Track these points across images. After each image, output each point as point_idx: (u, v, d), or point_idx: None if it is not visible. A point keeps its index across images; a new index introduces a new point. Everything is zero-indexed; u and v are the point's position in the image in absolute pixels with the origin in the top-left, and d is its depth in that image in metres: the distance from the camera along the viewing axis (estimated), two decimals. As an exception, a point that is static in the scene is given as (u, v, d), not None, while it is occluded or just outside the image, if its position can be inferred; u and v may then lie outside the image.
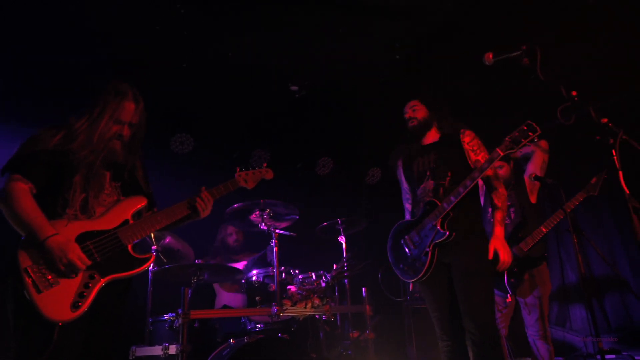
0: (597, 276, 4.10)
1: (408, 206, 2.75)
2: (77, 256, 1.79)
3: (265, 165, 2.44)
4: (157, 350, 2.98)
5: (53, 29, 3.44)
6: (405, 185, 2.76)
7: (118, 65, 3.85)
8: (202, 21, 3.58)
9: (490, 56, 2.20)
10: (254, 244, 4.42)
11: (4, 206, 1.84)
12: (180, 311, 2.93)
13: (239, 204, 3.54)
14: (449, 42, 3.91)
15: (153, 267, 3.34)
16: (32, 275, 1.74)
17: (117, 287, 1.90)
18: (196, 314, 3.05)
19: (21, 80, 3.84)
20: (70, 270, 1.78)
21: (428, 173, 2.55)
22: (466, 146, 2.55)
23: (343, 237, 4.00)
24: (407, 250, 2.52)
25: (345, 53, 4.05)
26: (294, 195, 3.83)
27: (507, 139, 2.37)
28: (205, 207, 2.14)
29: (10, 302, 1.75)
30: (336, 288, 3.75)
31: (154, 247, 3.39)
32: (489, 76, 3.94)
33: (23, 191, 1.84)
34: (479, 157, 2.50)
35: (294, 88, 4.33)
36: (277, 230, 3.50)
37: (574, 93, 1.91)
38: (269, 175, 2.43)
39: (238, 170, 2.37)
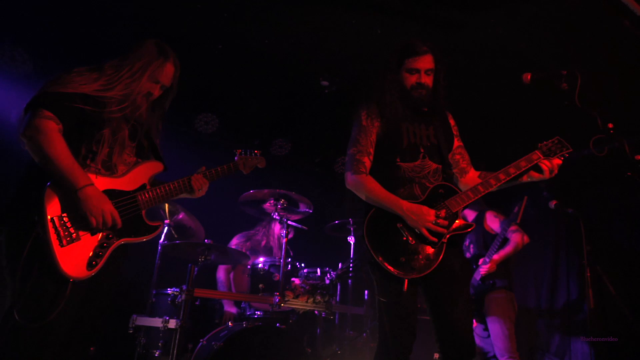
0: (607, 313, 4.02)
1: (366, 160, 2.13)
2: (111, 212, 1.73)
3: (258, 153, 2.40)
4: (157, 322, 3.03)
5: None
6: (372, 137, 2.15)
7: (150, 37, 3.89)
8: (245, 5, 3.59)
9: (529, 77, 2.17)
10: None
11: (32, 144, 1.67)
12: (184, 287, 2.97)
13: (254, 191, 3.57)
14: (483, 59, 3.86)
15: (163, 241, 3.39)
16: (57, 227, 1.65)
17: (119, 253, 1.82)
18: (199, 292, 3.09)
19: (51, 54, 3.86)
20: (100, 226, 1.71)
21: (422, 150, 2.13)
22: (453, 129, 2.29)
23: (353, 238, 4.00)
24: (408, 238, 1.99)
25: (379, 54, 4.03)
26: (308, 190, 3.83)
27: (540, 145, 2.11)
28: (201, 187, 2.13)
29: (18, 249, 1.61)
30: (339, 287, 3.76)
31: (167, 221, 3.44)
32: (519, 95, 3.89)
33: (56, 132, 1.69)
34: (461, 143, 2.28)
35: (325, 83, 4.31)
36: (289, 222, 3.51)
37: (610, 125, 1.88)
38: (262, 163, 2.40)
39: (239, 152, 2.32)
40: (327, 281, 3.38)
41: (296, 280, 3.34)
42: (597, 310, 2.80)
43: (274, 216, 3.55)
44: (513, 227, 3.68)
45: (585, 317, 4.33)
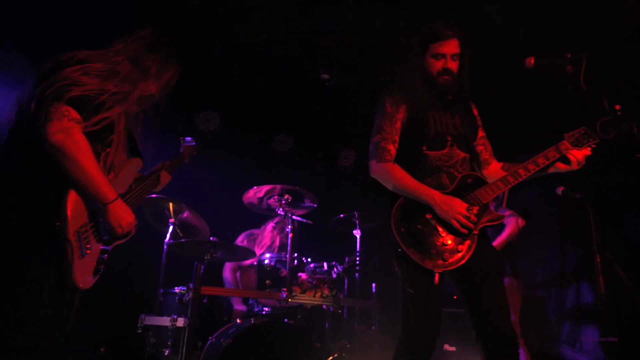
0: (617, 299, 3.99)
1: (392, 148, 2.09)
2: (134, 222, 1.72)
3: (190, 139, 2.40)
4: (165, 320, 3.03)
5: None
6: (397, 125, 2.11)
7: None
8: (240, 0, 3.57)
9: (532, 61, 2.12)
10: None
11: (61, 150, 1.50)
12: (191, 285, 2.97)
13: (258, 187, 3.56)
14: (482, 47, 3.81)
15: (168, 240, 3.39)
16: (81, 239, 1.57)
17: None
18: (206, 290, 3.08)
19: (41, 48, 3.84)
20: (121, 237, 1.70)
21: (449, 138, 2.08)
22: (477, 121, 2.23)
23: (358, 231, 3.98)
24: (438, 229, 1.95)
25: (379, 47, 3.99)
26: (312, 185, 3.82)
27: (567, 135, 2.05)
28: (166, 182, 2.20)
29: (40, 262, 1.50)
30: (346, 281, 3.74)
31: (171, 220, 3.43)
32: (521, 81, 3.84)
33: (84, 138, 1.55)
34: (484, 134, 2.22)
35: (325, 76, 4.28)
36: (294, 217, 3.50)
37: (617, 107, 1.84)
38: (196, 150, 2.42)
39: (182, 139, 2.33)
40: (334, 275, 3.37)
41: (303, 275, 3.33)
42: (608, 297, 2.77)
43: (279, 212, 3.53)
44: (508, 212, 3.66)
45: (596, 304, 4.30)
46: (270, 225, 4.18)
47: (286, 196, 3.51)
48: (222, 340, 2.91)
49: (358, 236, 3.98)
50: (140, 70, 1.76)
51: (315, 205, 3.73)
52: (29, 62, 3.76)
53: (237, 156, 4.86)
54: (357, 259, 3.64)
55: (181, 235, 3.52)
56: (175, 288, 3.17)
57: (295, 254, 3.45)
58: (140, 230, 1.85)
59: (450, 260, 1.89)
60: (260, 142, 4.99)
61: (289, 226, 3.42)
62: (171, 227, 3.43)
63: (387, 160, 2.06)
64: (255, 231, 4.23)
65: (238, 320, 3.15)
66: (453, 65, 2.10)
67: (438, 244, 1.92)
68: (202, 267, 3.06)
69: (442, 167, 2.05)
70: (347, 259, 3.62)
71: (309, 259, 3.52)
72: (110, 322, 3.71)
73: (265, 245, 4.09)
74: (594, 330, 4.22)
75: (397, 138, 2.10)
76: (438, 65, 2.10)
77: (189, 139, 2.43)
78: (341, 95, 4.58)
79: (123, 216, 1.67)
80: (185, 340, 2.81)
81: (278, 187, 3.53)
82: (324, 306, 3.46)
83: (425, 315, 1.92)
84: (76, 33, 3.61)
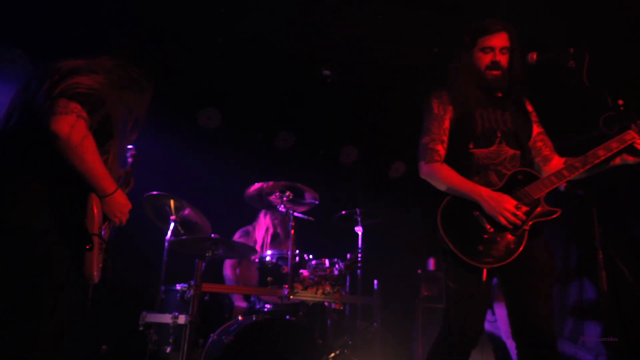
0: (620, 295, 3.98)
1: (440, 149, 2.07)
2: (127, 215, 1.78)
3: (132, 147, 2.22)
4: (166, 318, 3.03)
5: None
6: (445, 125, 2.10)
7: (151, 35, 3.86)
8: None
9: (534, 56, 2.10)
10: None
11: (70, 147, 1.55)
12: (192, 282, 2.96)
13: (260, 184, 3.55)
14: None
15: (170, 237, 3.38)
16: (102, 236, 1.70)
17: None
18: (208, 287, 3.08)
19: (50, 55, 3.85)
20: (120, 224, 1.77)
21: (499, 134, 2.04)
22: (531, 115, 2.17)
23: (360, 228, 3.97)
24: (485, 226, 1.92)
25: (381, 42, 3.97)
26: (314, 181, 3.81)
27: (634, 125, 1.93)
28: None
29: (68, 256, 1.59)
30: (348, 277, 3.74)
31: (172, 217, 3.43)
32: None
33: (91, 136, 1.60)
34: (542, 130, 2.15)
35: (326, 72, 4.27)
36: (295, 214, 3.49)
37: (620, 102, 1.83)
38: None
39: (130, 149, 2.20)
40: (336, 272, 3.36)
41: (305, 272, 3.33)
42: (610, 293, 2.76)
43: (280, 208, 3.53)
44: None
45: (598, 300, 4.29)
46: (261, 215, 4.18)
47: (287, 193, 3.50)
48: (223, 337, 2.91)
49: (360, 233, 3.97)
50: (128, 83, 1.79)
51: (317, 202, 3.72)
52: (30, 60, 3.76)
53: (238, 153, 4.85)
54: (359, 255, 3.64)
55: (182, 232, 3.52)
56: (177, 285, 3.17)
57: (297, 251, 3.45)
58: (141, 228, 1.85)
59: (498, 257, 1.85)
60: (261, 139, 4.98)
61: (291, 223, 3.42)
62: (172, 224, 3.43)
63: (436, 160, 2.04)
64: (249, 227, 4.23)
65: (239, 317, 3.15)
66: (502, 59, 2.07)
67: (485, 240, 1.89)
68: (204, 264, 3.06)
69: (490, 165, 2.01)
70: (348, 256, 3.61)
71: (311, 256, 3.51)
72: (112, 320, 3.72)
73: (260, 236, 4.09)
74: (596, 326, 4.21)
75: (445, 138, 2.08)
76: (486, 59, 2.07)
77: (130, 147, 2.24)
78: (343, 91, 4.57)
79: (119, 208, 1.73)
80: (187, 337, 2.81)
81: (279, 183, 3.52)
82: (326, 303, 3.45)
83: (469, 312, 1.89)
84: (76, 33, 3.61)
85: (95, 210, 1.63)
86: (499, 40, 2.07)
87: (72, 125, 1.54)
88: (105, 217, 1.73)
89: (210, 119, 4.69)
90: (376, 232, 4.25)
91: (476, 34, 2.10)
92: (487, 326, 3.69)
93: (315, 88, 4.55)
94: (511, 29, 2.10)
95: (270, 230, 4.09)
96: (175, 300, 3.16)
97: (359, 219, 3.94)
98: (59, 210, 1.59)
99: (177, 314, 2.99)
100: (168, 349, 3.03)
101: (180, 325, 2.95)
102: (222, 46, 4.03)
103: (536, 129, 2.16)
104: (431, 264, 4.71)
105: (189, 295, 2.99)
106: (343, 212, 3.90)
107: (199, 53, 4.10)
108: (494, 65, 2.06)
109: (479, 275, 1.84)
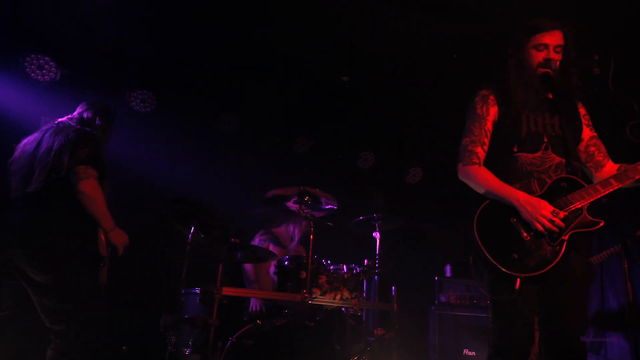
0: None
1: (480, 151, 1.99)
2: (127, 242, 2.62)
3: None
4: (186, 320, 3.06)
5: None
6: (487, 127, 2.01)
7: (171, 43, 3.94)
8: (263, 3, 3.59)
9: (558, 63, 2.09)
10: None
11: (90, 200, 2.35)
12: (212, 286, 2.99)
13: (279, 189, 3.57)
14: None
15: (190, 241, 3.41)
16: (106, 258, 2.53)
17: None
18: (227, 290, 3.11)
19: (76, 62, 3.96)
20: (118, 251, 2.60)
21: (546, 140, 1.94)
22: (583, 119, 2.05)
23: (378, 234, 3.96)
24: (522, 233, 1.84)
25: (399, 49, 3.98)
26: (331, 186, 3.82)
27: None
28: None
29: (95, 268, 2.45)
30: (365, 283, 3.73)
31: (192, 222, 3.46)
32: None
33: (100, 190, 2.39)
34: (594, 134, 2.04)
35: (345, 78, 4.29)
36: (315, 218, 3.50)
37: (648, 110, 1.80)
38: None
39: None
40: (354, 278, 3.36)
41: (323, 277, 3.33)
42: (635, 303, 2.70)
43: (299, 214, 3.54)
44: None
45: (621, 310, 4.20)
46: (290, 224, 4.22)
47: (306, 198, 3.52)
48: (243, 340, 2.93)
49: (377, 238, 3.96)
50: (108, 131, 2.78)
51: (335, 207, 3.72)
52: (57, 66, 3.86)
53: (256, 158, 4.90)
54: (377, 261, 3.63)
55: (202, 236, 3.56)
56: (197, 289, 3.21)
57: (315, 256, 3.45)
58: (162, 231, 1.94)
59: (532, 266, 1.78)
60: (279, 144, 5.01)
61: (311, 228, 3.43)
62: (192, 228, 3.46)
63: (474, 163, 1.97)
64: (274, 230, 4.25)
65: (258, 321, 3.17)
66: (556, 58, 1.96)
67: (522, 248, 1.81)
68: (223, 267, 3.09)
69: (533, 172, 1.92)
70: (366, 262, 3.61)
71: (329, 261, 3.51)
72: (133, 322, 3.78)
73: (286, 242, 4.12)
74: (619, 337, 4.12)
75: (486, 140, 2.00)
76: (539, 56, 1.98)
77: None
78: (361, 97, 4.58)
79: (121, 235, 2.48)
80: (210, 341, 2.84)
81: (298, 189, 3.53)
82: (343, 309, 3.45)
83: (509, 321, 1.83)
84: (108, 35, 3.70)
85: (103, 240, 2.42)
86: (554, 38, 1.98)
87: (93, 187, 2.34)
88: (108, 244, 2.46)
89: (229, 123, 4.74)
90: (394, 237, 4.24)
91: (530, 32, 2.01)
92: None
93: (334, 93, 4.57)
94: (568, 28, 2.00)
95: (296, 238, 4.13)
96: (195, 303, 3.20)
97: (376, 224, 3.93)
98: (87, 241, 2.41)
99: (196, 316, 3.02)
100: (187, 352, 3.07)
101: (200, 329, 2.98)
102: (241, 52, 4.08)
103: (588, 133, 2.06)
104: (448, 270, 4.68)
105: (208, 298, 3.02)
106: (361, 218, 3.89)
107: (219, 59, 4.16)
108: (547, 62, 1.96)
109: (512, 283, 1.78)
